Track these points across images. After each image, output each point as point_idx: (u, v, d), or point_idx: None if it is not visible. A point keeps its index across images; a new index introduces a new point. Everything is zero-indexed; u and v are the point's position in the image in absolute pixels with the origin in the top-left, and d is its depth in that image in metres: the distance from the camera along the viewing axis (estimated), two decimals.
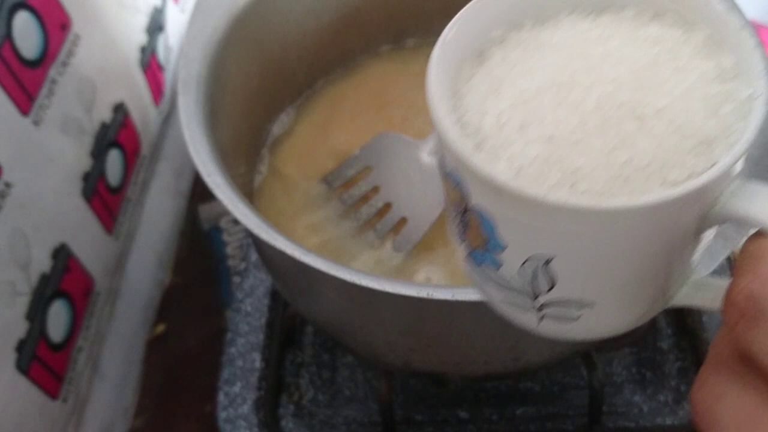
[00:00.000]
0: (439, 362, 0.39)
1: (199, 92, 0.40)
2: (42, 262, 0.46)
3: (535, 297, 0.24)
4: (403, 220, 0.43)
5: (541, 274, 0.22)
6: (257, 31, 0.47)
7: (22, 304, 0.44)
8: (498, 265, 0.23)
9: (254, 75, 0.48)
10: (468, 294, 0.31)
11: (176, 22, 0.67)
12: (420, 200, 0.43)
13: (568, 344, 0.40)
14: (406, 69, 0.54)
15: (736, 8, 0.39)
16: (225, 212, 0.69)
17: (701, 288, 0.25)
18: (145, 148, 0.61)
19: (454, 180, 0.22)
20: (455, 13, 0.54)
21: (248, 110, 0.48)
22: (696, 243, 0.23)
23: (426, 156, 0.44)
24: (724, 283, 0.22)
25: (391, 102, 0.52)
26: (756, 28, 0.71)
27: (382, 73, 0.54)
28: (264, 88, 0.49)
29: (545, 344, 0.38)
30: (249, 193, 0.48)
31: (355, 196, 0.45)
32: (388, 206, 0.44)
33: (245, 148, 0.48)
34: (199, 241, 0.68)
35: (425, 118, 0.49)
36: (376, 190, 0.45)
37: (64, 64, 0.48)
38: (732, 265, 0.55)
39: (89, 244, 0.52)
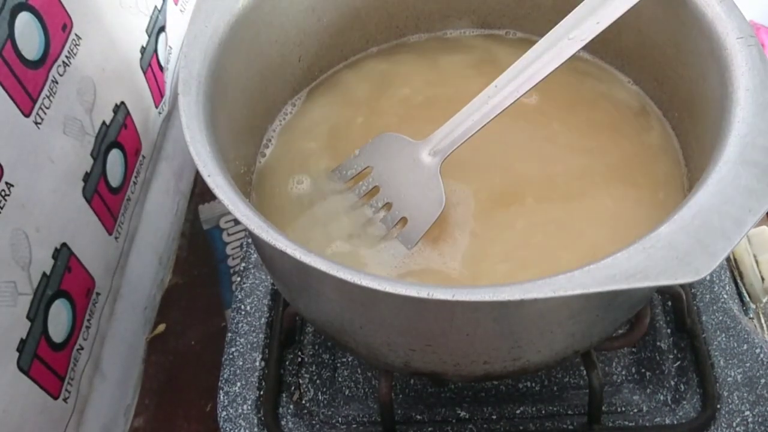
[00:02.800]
0: (439, 362, 0.39)
1: (199, 92, 0.40)
2: (43, 262, 0.46)
3: None
4: (403, 220, 0.43)
5: None
6: (257, 32, 0.47)
7: (24, 303, 0.44)
8: None
9: (254, 75, 0.48)
10: (468, 294, 0.31)
11: (176, 22, 0.67)
12: (420, 200, 0.43)
13: (567, 344, 0.40)
14: (406, 68, 0.54)
15: (736, 9, 0.40)
16: (225, 212, 0.69)
17: None
18: (145, 149, 0.62)
19: None
20: (454, 13, 0.55)
21: (249, 110, 0.48)
22: None
23: (426, 156, 0.44)
24: None
25: (391, 102, 0.52)
26: (756, 28, 0.71)
27: (383, 72, 0.54)
28: (264, 88, 0.49)
29: (545, 344, 0.38)
30: (248, 193, 0.48)
31: (355, 197, 0.46)
32: (388, 206, 0.44)
33: (245, 147, 0.48)
34: (199, 241, 0.68)
35: (425, 117, 0.49)
36: (376, 190, 0.45)
37: (65, 65, 0.48)
38: (731, 265, 0.56)
39: (90, 244, 0.52)
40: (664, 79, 0.48)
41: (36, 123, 0.45)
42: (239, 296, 0.54)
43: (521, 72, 0.42)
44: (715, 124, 0.37)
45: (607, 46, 0.51)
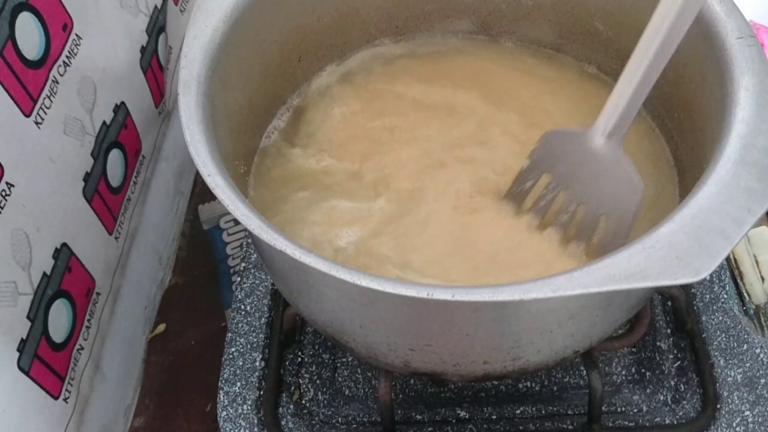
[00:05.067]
0: (438, 362, 0.39)
1: (199, 93, 0.40)
2: (43, 262, 0.46)
3: None
4: (604, 218, 0.41)
5: None
6: (258, 32, 0.47)
7: (24, 303, 0.44)
8: None
9: (255, 75, 0.48)
10: (468, 294, 0.31)
11: (176, 22, 0.67)
12: (613, 191, 0.40)
13: (566, 344, 0.40)
14: (407, 67, 0.54)
15: (736, 10, 0.39)
16: (225, 212, 0.69)
17: None
18: (145, 149, 0.62)
19: None
20: (454, 13, 0.55)
21: (249, 110, 0.48)
22: None
23: (600, 141, 0.40)
24: None
25: (393, 100, 0.52)
26: (756, 28, 0.72)
27: (383, 72, 0.54)
28: (265, 88, 0.49)
29: (544, 344, 0.38)
30: (248, 193, 0.48)
31: (545, 208, 0.43)
32: (581, 208, 0.41)
33: (245, 147, 0.48)
34: (199, 241, 0.68)
35: (425, 116, 0.49)
36: (562, 196, 0.42)
37: (66, 65, 0.48)
38: (731, 265, 0.55)
39: (90, 244, 0.52)
40: (663, 80, 0.47)
41: (36, 123, 0.45)
42: (239, 296, 0.54)
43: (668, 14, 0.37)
44: (715, 124, 0.37)
45: (607, 48, 0.51)
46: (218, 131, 0.41)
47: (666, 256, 0.31)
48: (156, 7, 0.62)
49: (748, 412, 0.47)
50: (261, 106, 0.50)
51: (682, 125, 0.46)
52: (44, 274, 0.46)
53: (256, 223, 0.34)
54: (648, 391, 0.50)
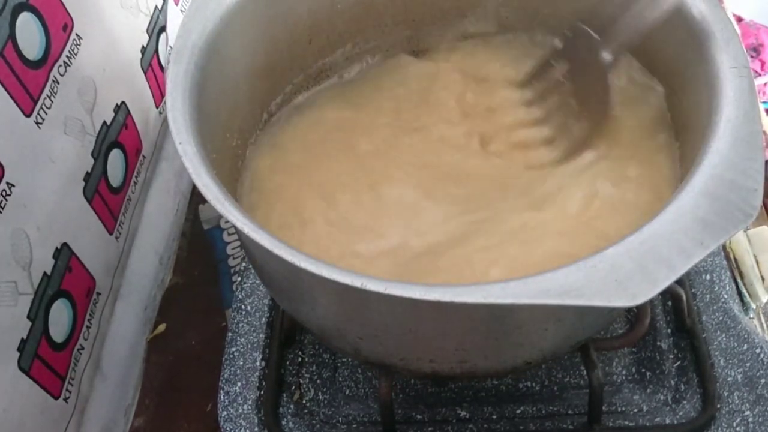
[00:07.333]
0: (386, 354, 0.39)
1: (190, 63, 0.39)
2: (44, 262, 0.46)
3: None
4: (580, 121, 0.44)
5: None
6: (267, 11, 0.46)
7: (24, 303, 0.44)
8: None
9: (259, 53, 0.47)
10: (400, 289, 0.30)
11: (177, 22, 0.67)
12: (589, 105, 0.43)
13: (515, 354, 0.39)
14: (420, 62, 0.54)
15: (735, 38, 0.39)
16: None
17: None
18: (146, 149, 0.62)
19: None
20: (471, 13, 0.54)
21: (250, 86, 0.47)
22: None
23: (605, 54, 0.43)
24: None
25: (402, 94, 0.52)
26: (756, 28, 0.71)
27: (397, 65, 0.54)
28: (271, 67, 0.48)
29: (491, 351, 0.38)
30: (236, 169, 0.48)
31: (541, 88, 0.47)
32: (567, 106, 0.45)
33: (241, 122, 0.47)
34: (200, 241, 0.68)
35: (436, 112, 0.49)
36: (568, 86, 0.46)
37: (66, 65, 0.48)
38: (731, 265, 0.56)
39: (90, 243, 0.52)
40: (672, 97, 0.47)
41: (37, 123, 0.45)
42: (240, 296, 0.54)
43: None
44: (695, 153, 0.36)
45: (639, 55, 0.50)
46: (208, 104, 0.40)
47: (605, 277, 0.30)
48: (156, 7, 0.63)
49: (748, 412, 0.47)
50: (265, 83, 0.49)
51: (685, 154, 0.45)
52: (44, 273, 0.46)
53: (205, 180, 0.34)
54: (648, 390, 0.50)
